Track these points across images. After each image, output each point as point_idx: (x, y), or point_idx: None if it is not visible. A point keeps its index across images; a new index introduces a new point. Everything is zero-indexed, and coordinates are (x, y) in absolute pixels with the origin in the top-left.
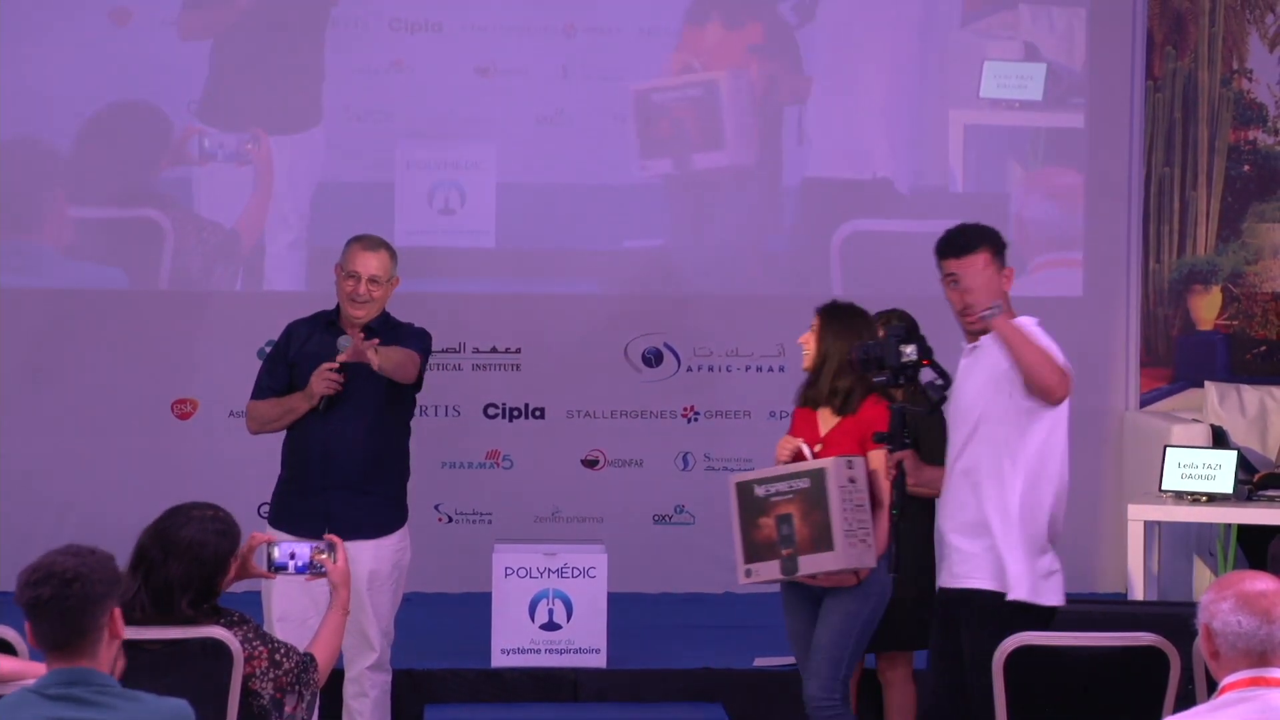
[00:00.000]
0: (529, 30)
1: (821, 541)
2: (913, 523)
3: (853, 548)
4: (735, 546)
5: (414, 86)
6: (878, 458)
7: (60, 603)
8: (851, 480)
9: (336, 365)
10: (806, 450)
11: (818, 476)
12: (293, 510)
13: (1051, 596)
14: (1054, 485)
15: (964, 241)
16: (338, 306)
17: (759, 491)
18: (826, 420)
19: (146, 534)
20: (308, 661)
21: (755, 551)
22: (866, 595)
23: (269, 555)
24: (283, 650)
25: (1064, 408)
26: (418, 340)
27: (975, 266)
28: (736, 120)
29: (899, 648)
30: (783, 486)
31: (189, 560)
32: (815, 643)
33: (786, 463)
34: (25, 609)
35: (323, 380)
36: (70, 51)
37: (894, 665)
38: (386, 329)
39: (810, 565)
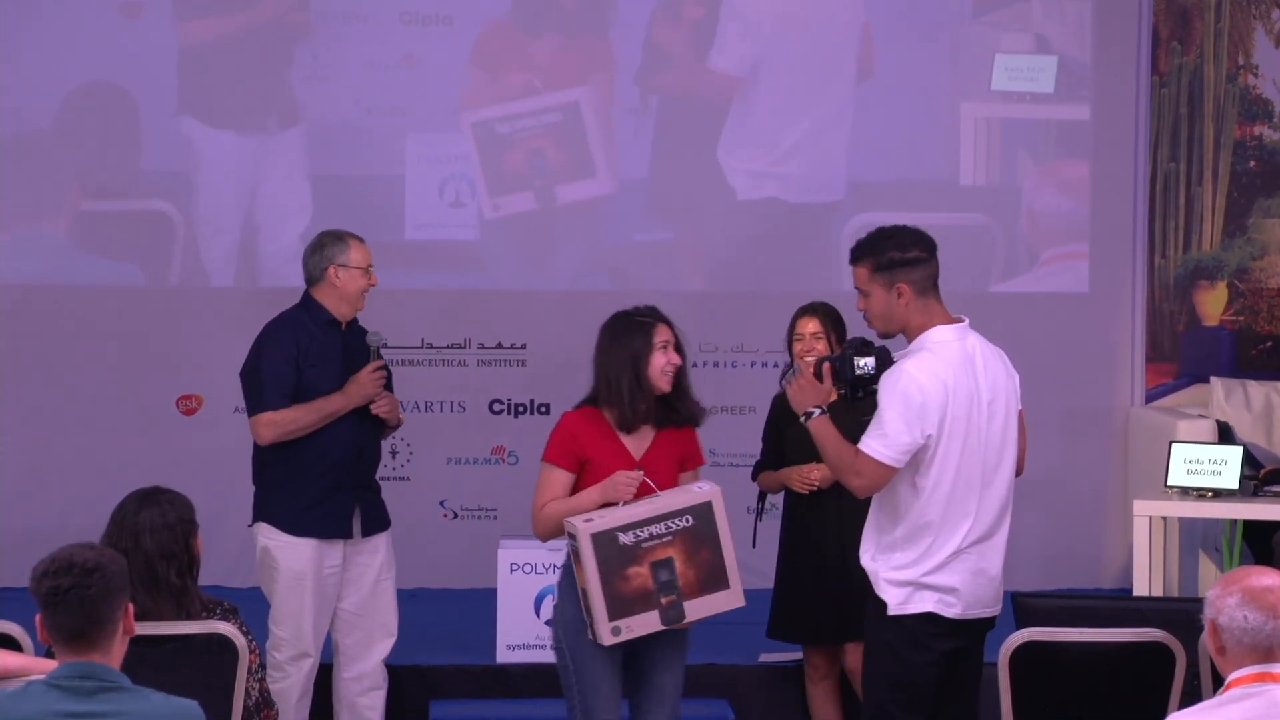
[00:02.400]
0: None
1: (712, 581)
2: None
3: (741, 581)
4: (593, 604)
5: (424, 80)
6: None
7: (81, 591)
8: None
9: (382, 363)
10: (651, 482)
11: (704, 512)
12: (319, 512)
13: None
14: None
15: (856, 250)
16: (306, 301)
17: (625, 539)
18: (643, 436)
19: (106, 541)
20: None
21: (623, 606)
22: (687, 634)
23: None
24: (262, 673)
25: (930, 453)
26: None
27: (858, 279)
28: (739, 113)
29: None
30: (658, 529)
31: (160, 530)
32: (663, 692)
33: (630, 501)
34: (44, 599)
35: (376, 383)
36: (78, 44)
37: (859, 655)
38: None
39: (701, 609)
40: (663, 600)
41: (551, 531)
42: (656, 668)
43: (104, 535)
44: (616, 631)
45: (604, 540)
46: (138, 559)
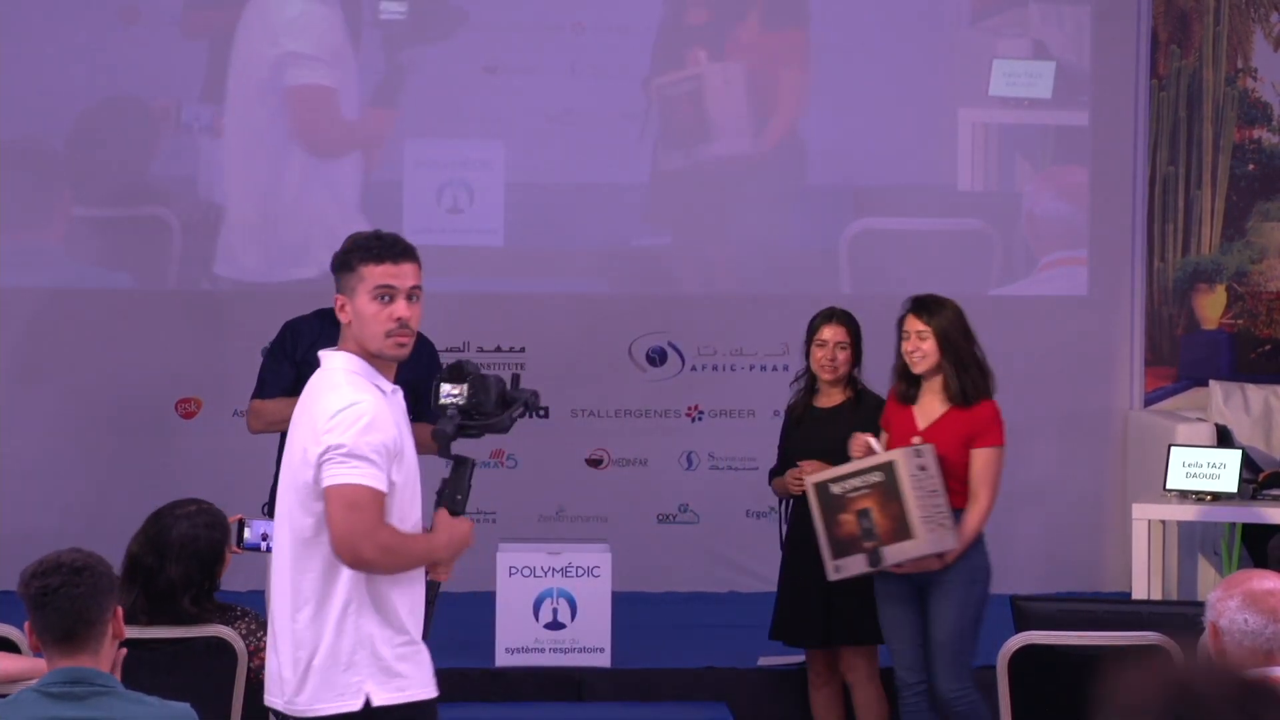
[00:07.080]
0: (537, 28)
1: (902, 531)
2: None
3: (932, 533)
4: (821, 545)
5: (423, 85)
6: (982, 456)
7: (70, 590)
8: (922, 468)
9: None
10: (875, 444)
11: (889, 469)
12: None
13: None
14: None
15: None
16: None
17: (835, 490)
18: (929, 412)
19: (135, 542)
20: None
21: (840, 548)
22: (971, 581)
23: (240, 534)
24: None
25: None
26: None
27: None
28: (739, 116)
29: (857, 642)
30: (857, 482)
31: (185, 558)
32: (935, 640)
33: (859, 458)
34: (32, 600)
35: None
36: (77, 50)
37: (855, 662)
38: None
39: (894, 555)
40: (866, 545)
41: None
42: (933, 621)
43: (139, 534)
44: (837, 570)
45: (821, 490)
46: (185, 560)
